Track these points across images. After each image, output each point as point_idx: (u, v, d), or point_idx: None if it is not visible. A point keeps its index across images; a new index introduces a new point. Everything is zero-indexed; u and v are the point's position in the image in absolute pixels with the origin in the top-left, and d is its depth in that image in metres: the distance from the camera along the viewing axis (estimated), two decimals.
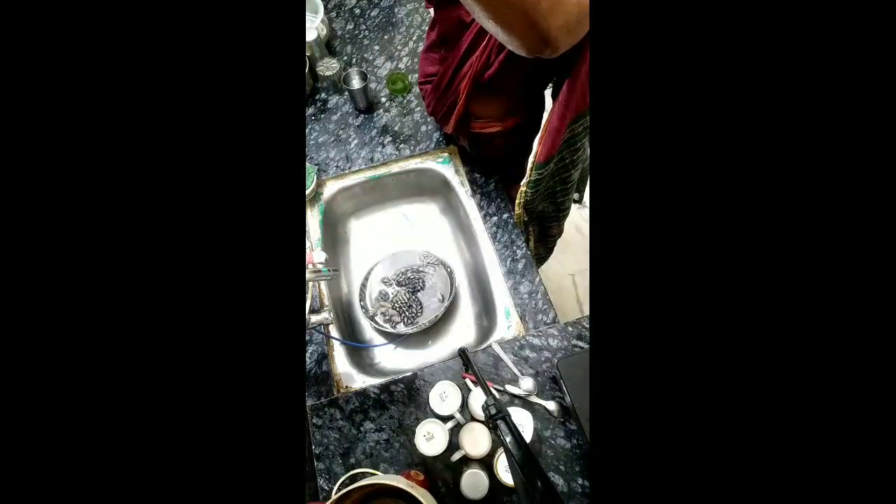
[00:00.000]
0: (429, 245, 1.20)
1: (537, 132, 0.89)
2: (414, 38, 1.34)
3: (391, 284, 1.15)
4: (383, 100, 1.25)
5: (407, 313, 1.10)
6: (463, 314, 1.14)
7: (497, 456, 0.79)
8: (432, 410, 0.82)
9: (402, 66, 1.30)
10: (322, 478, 0.84)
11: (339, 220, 1.23)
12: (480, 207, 1.11)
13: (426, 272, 1.15)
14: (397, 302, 1.11)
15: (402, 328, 1.08)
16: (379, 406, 0.89)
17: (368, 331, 1.14)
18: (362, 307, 1.11)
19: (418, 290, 1.13)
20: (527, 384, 0.86)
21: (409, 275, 1.14)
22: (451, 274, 1.12)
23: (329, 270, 0.86)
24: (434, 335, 1.12)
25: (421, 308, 1.11)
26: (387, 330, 1.07)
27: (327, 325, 0.91)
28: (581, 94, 0.79)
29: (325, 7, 1.33)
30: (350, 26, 1.37)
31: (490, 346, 0.93)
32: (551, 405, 0.86)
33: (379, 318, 1.09)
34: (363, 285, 1.15)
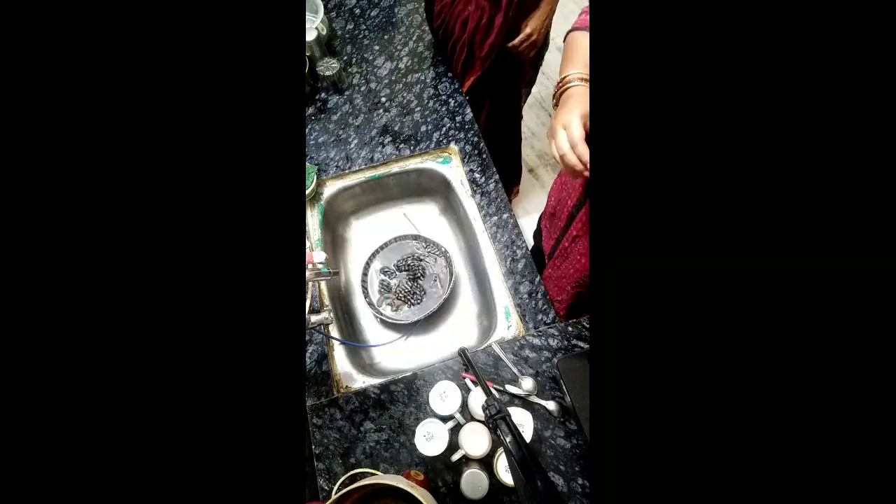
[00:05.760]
0: None
1: None
2: (414, 38, 1.34)
3: (392, 274, 1.15)
4: (383, 100, 1.25)
5: (411, 300, 1.11)
6: (463, 314, 1.14)
7: (497, 456, 0.79)
8: (432, 410, 0.82)
9: (401, 66, 1.30)
10: (322, 478, 0.84)
11: (339, 220, 1.23)
12: (480, 207, 1.11)
13: (426, 261, 1.16)
14: (401, 291, 1.13)
15: (409, 314, 1.09)
16: (379, 406, 0.89)
17: (369, 331, 1.15)
18: (367, 301, 1.11)
19: (419, 278, 1.14)
20: (527, 384, 0.86)
21: (409, 262, 1.16)
22: (447, 257, 1.13)
23: (329, 271, 0.86)
24: (434, 334, 1.12)
25: (424, 294, 1.13)
26: (396, 321, 1.08)
27: (327, 325, 0.91)
28: None
29: (325, 7, 1.33)
30: (350, 26, 1.37)
31: (490, 346, 0.93)
32: (551, 405, 0.86)
33: (387, 310, 1.10)
34: (364, 273, 1.15)
